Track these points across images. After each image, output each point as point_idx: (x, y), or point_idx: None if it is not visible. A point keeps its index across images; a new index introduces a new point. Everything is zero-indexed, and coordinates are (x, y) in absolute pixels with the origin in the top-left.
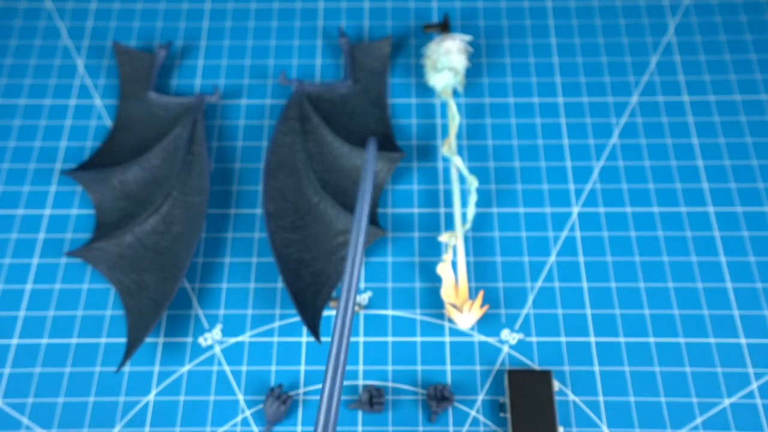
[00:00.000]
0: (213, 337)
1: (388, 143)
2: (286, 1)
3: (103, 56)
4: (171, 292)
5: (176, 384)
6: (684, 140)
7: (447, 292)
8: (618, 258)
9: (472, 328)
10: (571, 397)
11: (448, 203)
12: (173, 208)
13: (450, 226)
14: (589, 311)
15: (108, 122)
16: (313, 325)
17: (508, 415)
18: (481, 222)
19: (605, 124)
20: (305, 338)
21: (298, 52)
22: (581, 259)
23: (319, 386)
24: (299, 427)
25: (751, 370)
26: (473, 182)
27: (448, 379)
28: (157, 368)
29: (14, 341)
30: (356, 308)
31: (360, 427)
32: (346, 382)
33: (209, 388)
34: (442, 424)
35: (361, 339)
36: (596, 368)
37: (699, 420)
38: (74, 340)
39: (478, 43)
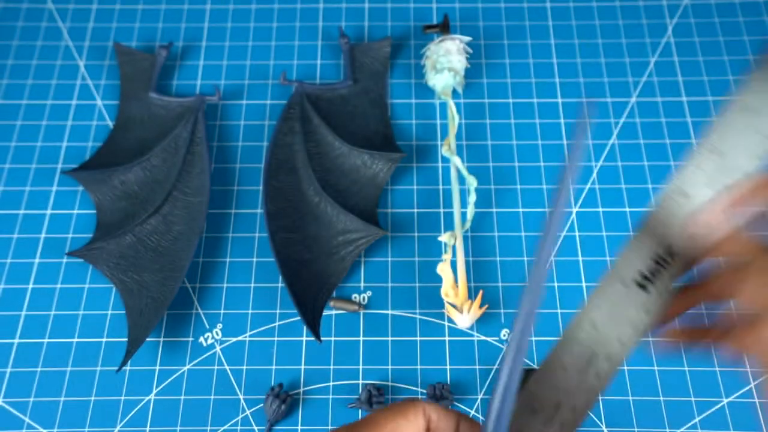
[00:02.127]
0: (213, 337)
1: (388, 143)
2: (286, 2)
3: (104, 57)
4: (171, 291)
5: (177, 383)
6: (683, 140)
7: (447, 292)
8: None
9: (471, 328)
10: None
11: (448, 203)
12: (174, 208)
13: (450, 226)
14: None
15: (109, 122)
16: (313, 325)
17: None
18: (480, 222)
19: (604, 124)
20: (305, 338)
21: (298, 52)
22: (581, 258)
23: (319, 386)
24: (299, 427)
25: (749, 370)
26: (473, 182)
27: (448, 379)
28: (157, 368)
29: (16, 341)
30: (357, 308)
31: None
32: (345, 382)
33: (210, 387)
34: None
35: (361, 338)
36: None
37: (697, 419)
38: (75, 340)
39: (478, 44)
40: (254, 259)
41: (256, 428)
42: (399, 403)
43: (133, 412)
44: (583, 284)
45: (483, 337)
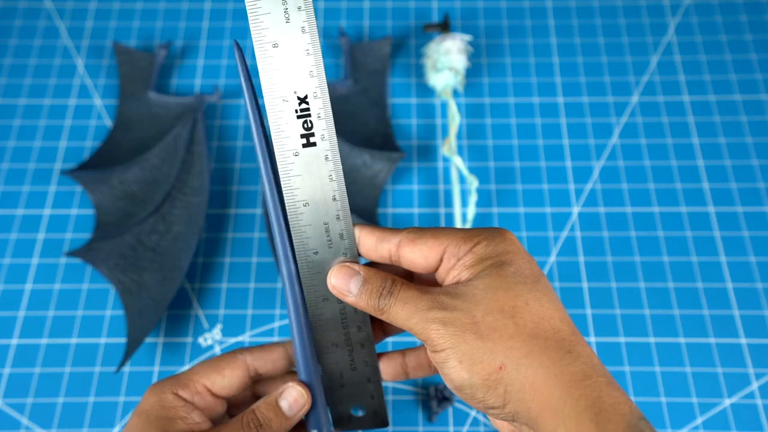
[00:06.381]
0: (213, 337)
1: (388, 143)
2: None
3: (103, 56)
4: (171, 292)
5: None
6: (684, 140)
7: None
8: (618, 258)
9: None
10: None
11: (448, 203)
12: (173, 207)
13: (450, 226)
14: (589, 311)
15: (108, 122)
16: None
17: None
18: (481, 222)
19: (605, 123)
20: None
21: None
22: (581, 259)
23: None
24: None
25: (751, 370)
26: (473, 182)
27: None
28: (157, 368)
29: (14, 341)
30: None
31: None
32: None
33: None
34: (442, 424)
35: None
36: None
37: (699, 420)
38: (74, 340)
39: (478, 43)
40: (254, 260)
41: None
42: (218, 357)
43: (132, 413)
44: (584, 284)
45: None
